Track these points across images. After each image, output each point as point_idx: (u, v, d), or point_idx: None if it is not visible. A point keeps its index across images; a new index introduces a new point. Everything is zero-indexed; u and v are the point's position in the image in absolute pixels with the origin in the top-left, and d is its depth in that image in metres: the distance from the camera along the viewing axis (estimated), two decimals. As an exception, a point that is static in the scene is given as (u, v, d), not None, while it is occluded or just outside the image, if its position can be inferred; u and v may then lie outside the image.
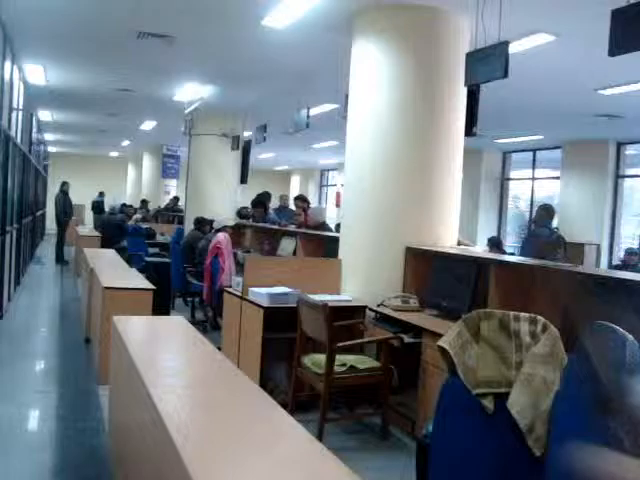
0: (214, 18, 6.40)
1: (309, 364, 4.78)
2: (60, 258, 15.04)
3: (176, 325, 4.26)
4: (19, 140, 9.86)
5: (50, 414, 4.92)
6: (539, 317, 2.36)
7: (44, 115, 14.33)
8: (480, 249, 6.37)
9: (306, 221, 8.49)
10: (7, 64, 7.80)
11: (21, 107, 9.45)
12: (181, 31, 6.94)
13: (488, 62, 4.69)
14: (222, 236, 7.42)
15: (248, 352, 5.47)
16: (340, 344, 4.51)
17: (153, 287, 5.96)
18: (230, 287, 6.20)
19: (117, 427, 3.82)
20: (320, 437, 4.52)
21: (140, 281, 6.39)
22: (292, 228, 8.61)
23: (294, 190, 25.24)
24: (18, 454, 4.20)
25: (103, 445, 4.26)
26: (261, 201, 10.82)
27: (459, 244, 6.17)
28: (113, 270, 7.16)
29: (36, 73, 9.47)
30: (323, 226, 8.08)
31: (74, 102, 12.22)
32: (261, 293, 5.37)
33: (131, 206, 17.09)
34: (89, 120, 14.96)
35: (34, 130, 13.53)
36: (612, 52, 3.74)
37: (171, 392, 2.60)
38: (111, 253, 9.36)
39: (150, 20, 6.67)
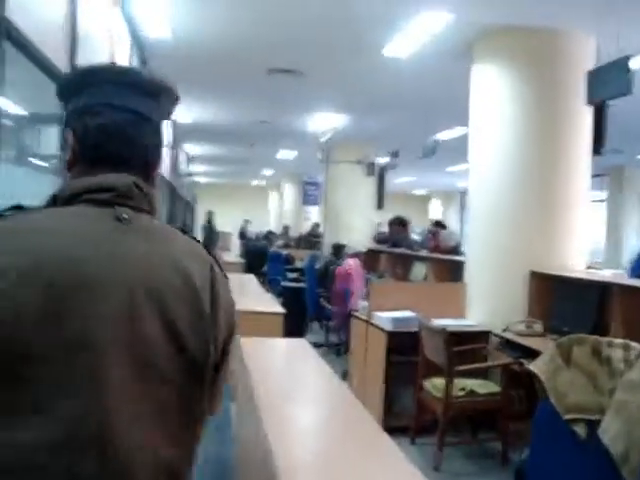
0: (338, 51, 6.66)
1: (430, 388, 4.82)
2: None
3: (297, 347, 4.43)
4: (167, 174, 10.61)
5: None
6: (634, 344, 2.30)
7: (191, 149, 15.29)
8: (609, 273, 6.10)
9: (437, 246, 8.49)
10: (154, 105, 8.47)
11: (169, 143, 10.17)
12: (308, 65, 7.26)
13: (610, 79, 4.57)
14: (352, 261, 7.60)
15: (373, 375, 5.58)
16: (459, 368, 4.52)
17: (283, 311, 6.21)
18: (357, 311, 6.35)
19: (240, 443, 4.04)
20: (439, 461, 4.54)
21: (272, 305, 6.67)
22: (424, 253, 8.63)
23: (433, 214, 25.09)
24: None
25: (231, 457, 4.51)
26: (400, 219, 10.82)
27: (589, 268, 5.96)
28: (248, 294, 7.51)
29: (182, 111, 10.18)
30: (455, 250, 8.05)
31: (217, 135, 12.99)
32: (385, 317, 5.48)
33: (274, 233, 17.76)
34: (232, 151, 15.78)
35: (182, 163, 14.46)
36: None
37: (278, 415, 2.74)
38: (249, 278, 9.80)
39: (279, 57, 7.04)
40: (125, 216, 1.17)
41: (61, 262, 1.09)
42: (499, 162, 5.67)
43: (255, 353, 4.12)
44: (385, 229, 11.86)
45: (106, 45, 4.94)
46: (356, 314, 6.23)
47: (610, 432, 2.24)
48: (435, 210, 26.70)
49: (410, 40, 5.95)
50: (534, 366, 2.46)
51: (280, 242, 16.02)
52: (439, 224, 9.43)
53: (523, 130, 5.56)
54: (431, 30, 5.63)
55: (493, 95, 5.76)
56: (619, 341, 2.36)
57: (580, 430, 2.33)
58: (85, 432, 1.06)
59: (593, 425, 2.30)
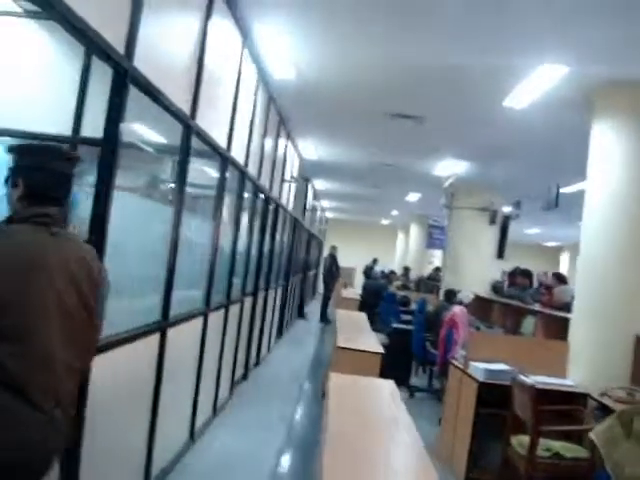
0: (458, 99, 6.77)
1: (516, 444, 4.72)
2: (324, 316, 16.10)
3: (382, 389, 4.51)
4: (290, 207, 11.00)
5: (273, 454, 5.43)
6: (696, 419, 2.23)
7: (318, 184, 15.72)
8: None
9: (551, 301, 8.26)
10: (282, 141, 8.89)
11: (294, 178, 10.57)
12: (429, 112, 7.40)
13: None
14: (458, 309, 7.56)
15: (462, 425, 5.52)
16: (544, 428, 4.41)
17: (381, 351, 6.30)
18: (456, 359, 6.31)
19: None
20: (518, 521, 4.43)
21: (373, 345, 6.76)
22: (536, 307, 8.42)
23: (563, 267, 24.20)
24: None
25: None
26: (520, 270, 10.61)
27: None
28: (353, 332, 7.65)
29: (308, 148, 10.59)
30: (568, 307, 7.80)
31: (341, 173, 13.34)
32: (479, 367, 5.43)
33: (395, 273, 17.79)
34: (357, 190, 16.09)
35: (309, 198, 14.90)
36: None
37: (340, 455, 2.84)
38: (360, 316, 9.94)
39: (400, 102, 7.23)
40: (55, 231, 2.13)
41: (29, 251, 2.07)
42: (613, 222, 5.51)
43: (339, 389, 4.26)
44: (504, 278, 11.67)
45: (231, 85, 5.30)
46: (454, 362, 6.20)
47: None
48: (566, 263, 25.74)
49: (530, 91, 5.96)
50: (594, 433, 2.43)
51: (399, 283, 16.01)
52: (559, 277, 9.16)
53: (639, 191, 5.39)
54: (550, 82, 5.63)
55: (612, 152, 5.62)
56: (680, 415, 2.29)
57: (634, 506, 2.28)
58: (37, 348, 2.02)
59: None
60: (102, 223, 2.84)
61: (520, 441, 4.69)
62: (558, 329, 7.11)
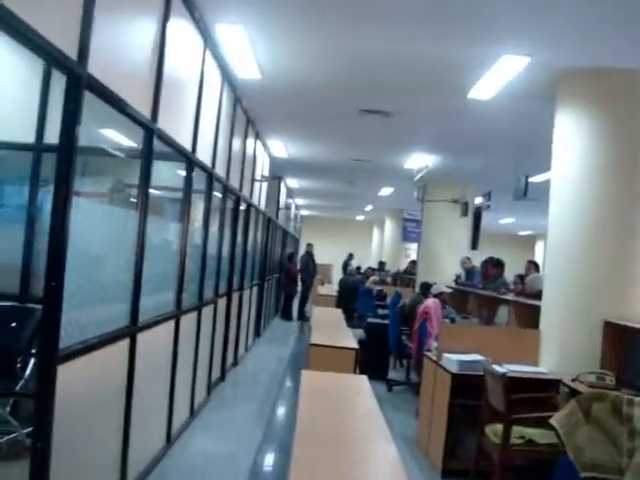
0: (425, 94, 6.81)
1: (490, 433, 4.77)
2: (301, 314, 16.11)
3: (355, 384, 4.53)
4: (263, 206, 10.99)
5: (250, 454, 5.43)
6: (654, 402, 2.26)
7: (292, 182, 15.72)
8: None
9: (523, 289, 8.34)
10: (250, 141, 8.87)
11: (265, 177, 10.56)
12: (397, 107, 7.42)
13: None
14: (431, 301, 7.61)
15: (438, 417, 5.57)
16: (517, 416, 4.46)
17: (355, 347, 6.32)
18: (430, 351, 6.35)
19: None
20: (493, 509, 4.48)
21: (347, 341, 6.79)
22: (510, 297, 8.49)
23: (538, 256, 24.41)
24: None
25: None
26: (493, 260, 10.66)
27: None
28: (328, 328, 7.67)
29: (278, 147, 10.58)
30: (540, 295, 7.88)
31: (314, 171, 13.36)
32: (451, 359, 5.48)
33: (371, 269, 17.84)
34: (330, 186, 16.12)
35: (282, 196, 14.89)
36: None
37: (310, 445, 2.86)
38: (336, 312, 9.96)
39: (369, 98, 7.25)
40: None
41: None
42: (577, 208, 5.57)
43: (311, 387, 4.27)
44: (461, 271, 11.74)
45: (194, 86, 5.28)
46: (428, 354, 6.24)
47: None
48: (540, 252, 25.99)
49: (493, 83, 6.01)
50: (554, 419, 2.46)
51: (375, 278, 16.06)
52: (535, 265, 9.27)
53: (604, 176, 5.44)
54: (512, 72, 5.68)
55: (575, 138, 5.68)
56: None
57: (598, 490, 2.31)
58: None
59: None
60: (61, 231, 2.82)
61: (494, 430, 4.74)
62: (531, 317, 7.18)
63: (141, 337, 4.17)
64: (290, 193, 17.66)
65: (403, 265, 19.11)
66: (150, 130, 4.05)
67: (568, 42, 5.07)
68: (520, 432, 4.60)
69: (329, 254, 24.22)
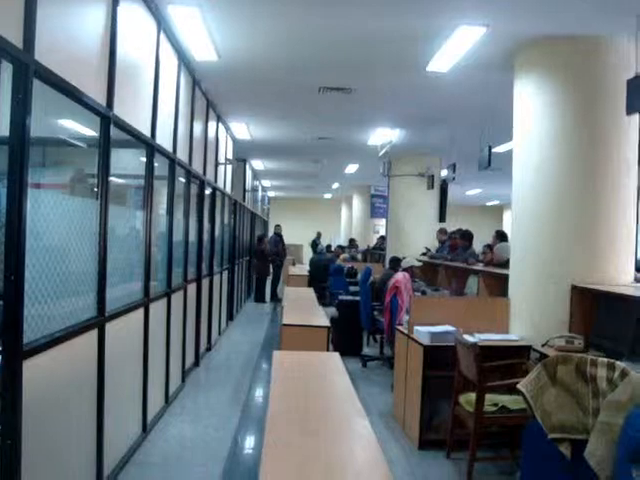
0: (383, 69, 6.78)
1: (463, 402, 4.83)
2: (274, 296, 16.10)
3: (327, 361, 4.55)
4: (228, 189, 10.91)
5: (228, 437, 5.43)
6: (618, 362, 2.30)
7: (257, 164, 15.61)
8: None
9: (492, 259, 8.41)
10: (212, 124, 8.77)
11: (229, 160, 10.47)
12: (357, 83, 7.39)
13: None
14: (401, 275, 7.64)
15: (412, 389, 5.61)
16: (489, 384, 4.51)
17: (327, 325, 6.34)
18: (402, 325, 6.39)
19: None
20: (469, 476, 4.54)
21: (319, 319, 6.80)
22: (479, 267, 8.56)
23: (506, 225, 24.65)
24: (197, 463, 4.73)
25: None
26: (468, 233, 10.71)
27: (638, 281, 5.81)
28: (300, 308, 7.68)
29: (241, 130, 10.49)
30: (508, 264, 7.95)
31: (279, 152, 13.29)
32: (423, 331, 5.51)
33: (341, 247, 17.88)
34: (297, 166, 16.06)
35: (248, 179, 14.79)
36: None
37: (283, 424, 2.86)
38: (307, 292, 9.97)
39: (328, 75, 7.20)
40: None
41: None
42: (541, 175, 5.62)
43: (283, 365, 4.27)
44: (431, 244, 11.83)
45: (150, 71, 5.19)
46: (399, 328, 6.27)
47: (596, 456, 2.24)
48: (508, 221, 26.19)
49: (451, 54, 6.00)
50: (522, 384, 2.48)
51: (346, 255, 16.10)
52: (501, 234, 9.33)
53: (564, 142, 5.49)
54: (469, 43, 5.67)
55: (534, 107, 5.72)
56: (603, 360, 2.36)
57: (565, 450, 2.35)
58: None
59: (579, 445, 2.30)
60: (18, 224, 2.76)
61: (467, 399, 4.80)
62: (500, 286, 7.27)
63: (109, 327, 4.13)
64: (256, 175, 17.56)
65: (373, 241, 19.18)
66: (106, 117, 3.98)
67: (525, 11, 5.06)
68: (493, 399, 4.66)
69: (299, 234, 24.25)
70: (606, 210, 5.42)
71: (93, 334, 3.90)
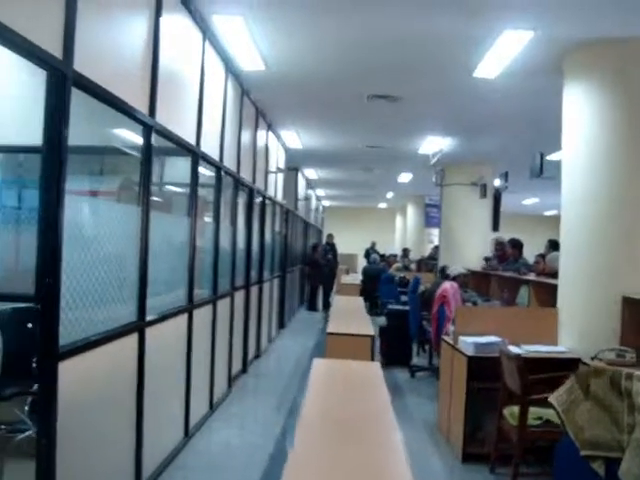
0: (430, 75, 6.73)
1: (508, 415, 4.72)
2: (326, 304, 16.09)
3: (367, 370, 4.50)
4: (280, 198, 10.99)
5: (271, 444, 5.44)
6: (653, 375, 2.21)
7: (310, 173, 15.68)
8: None
9: (544, 268, 8.24)
10: (262, 133, 8.85)
11: (280, 169, 10.53)
12: (404, 90, 7.35)
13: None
14: (448, 285, 7.54)
15: (456, 400, 5.52)
16: (534, 397, 4.40)
17: (371, 333, 6.29)
18: (448, 335, 6.30)
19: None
20: (512, 491, 4.44)
21: (364, 328, 6.75)
22: (531, 277, 8.40)
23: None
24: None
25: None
26: (519, 243, 10.54)
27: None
28: (347, 317, 7.65)
29: (292, 138, 10.55)
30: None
31: (330, 160, 13.32)
32: (468, 342, 5.42)
33: (394, 256, 17.78)
34: (349, 175, 16.07)
35: (301, 188, 14.86)
36: None
37: (310, 431, 2.85)
38: (356, 301, 9.93)
39: (377, 83, 7.19)
40: None
41: None
42: (590, 182, 5.47)
43: (322, 373, 4.26)
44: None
45: (195, 80, 5.27)
46: (445, 338, 6.19)
47: (632, 475, 2.15)
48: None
49: (498, 60, 5.91)
50: (553, 397, 2.41)
51: (399, 264, 16.00)
52: (554, 244, 9.13)
53: (615, 148, 5.32)
54: (516, 48, 5.58)
55: (583, 112, 5.58)
56: (639, 374, 2.27)
57: (598, 468, 2.26)
58: None
59: (613, 463, 2.22)
60: (55, 228, 2.83)
61: (511, 412, 4.69)
62: (551, 297, 7.07)
63: (150, 331, 4.19)
64: (309, 184, 17.63)
65: (427, 251, 19.02)
66: (148, 126, 4.05)
67: (572, 14, 4.94)
68: (537, 413, 4.54)
69: (353, 244, 24.22)
70: (658, 219, 5.24)
71: (133, 337, 3.96)
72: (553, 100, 6.23)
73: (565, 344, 5.58)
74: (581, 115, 5.62)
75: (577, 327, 5.52)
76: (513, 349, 5.17)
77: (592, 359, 5.06)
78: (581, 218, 5.56)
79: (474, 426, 5.44)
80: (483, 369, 5.29)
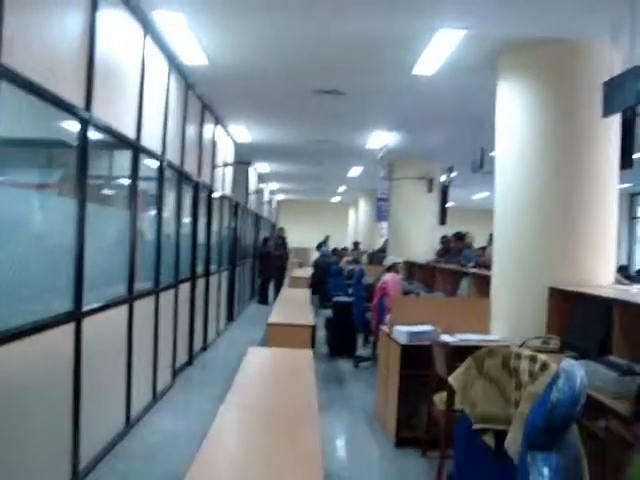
0: (371, 72, 6.90)
1: (437, 401, 4.91)
2: (277, 298, 16.17)
3: (298, 358, 4.64)
4: (228, 191, 11.05)
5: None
6: (540, 355, 2.38)
7: (261, 167, 15.75)
8: (636, 289, 5.94)
9: (484, 261, 8.49)
10: (208, 127, 8.91)
11: (227, 162, 10.59)
12: (347, 85, 7.51)
13: (623, 89, 4.53)
14: (389, 276, 7.74)
15: (391, 388, 5.70)
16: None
17: (311, 324, 6.45)
18: (385, 325, 6.48)
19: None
20: (439, 474, 4.62)
21: (305, 319, 6.90)
22: (470, 269, 8.65)
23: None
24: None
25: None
26: (459, 236, 10.83)
27: (619, 283, 5.87)
28: (290, 308, 7.79)
29: (241, 132, 10.62)
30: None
31: (281, 154, 13.43)
32: (402, 331, 5.60)
33: (345, 249, 17.95)
34: (300, 169, 16.20)
35: (252, 181, 14.93)
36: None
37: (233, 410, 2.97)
38: (304, 293, 10.08)
39: (321, 79, 7.32)
40: None
41: None
42: (521, 176, 5.70)
43: (252, 360, 4.38)
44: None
45: (135, 75, 5.33)
46: (382, 327, 6.37)
47: (515, 445, 2.32)
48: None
49: (435, 57, 6.08)
50: (452, 377, 2.58)
51: (349, 258, 16.16)
52: (492, 237, 9.40)
53: (545, 144, 5.56)
54: (451, 47, 5.75)
55: (515, 109, 5.80)
56: (527, 353, 2.45)
57: (489, 440, 2.44)
58: None
59: (502, 435, 2.39)
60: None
61: (441, 398, 4.87)
62: (488, 287, 7.34)
63: (88, 321, 4.25)
64: (261, 178, 17.70)
65: (379, 244, 19.26)
66: (83, 118, 4.11)
67: (502, 15, 5.13)
68: (465, 398, 4.73)
69: (308, 237, 24.35)
70: (586, 212, 5.49)
71: (70, 327, 4.03)
72: (490, 98, 6.44)
73: (497, 333, 5.80)
74: (512, 111, 5.84)
75: (507, 316, 5.76)
76: (447, 338, 5.37)
77: (520, 347, 5.28)
78: (512, 212, 5.80)
79: (409, 412, 5.63)
80: (417, 357, 5.48)
